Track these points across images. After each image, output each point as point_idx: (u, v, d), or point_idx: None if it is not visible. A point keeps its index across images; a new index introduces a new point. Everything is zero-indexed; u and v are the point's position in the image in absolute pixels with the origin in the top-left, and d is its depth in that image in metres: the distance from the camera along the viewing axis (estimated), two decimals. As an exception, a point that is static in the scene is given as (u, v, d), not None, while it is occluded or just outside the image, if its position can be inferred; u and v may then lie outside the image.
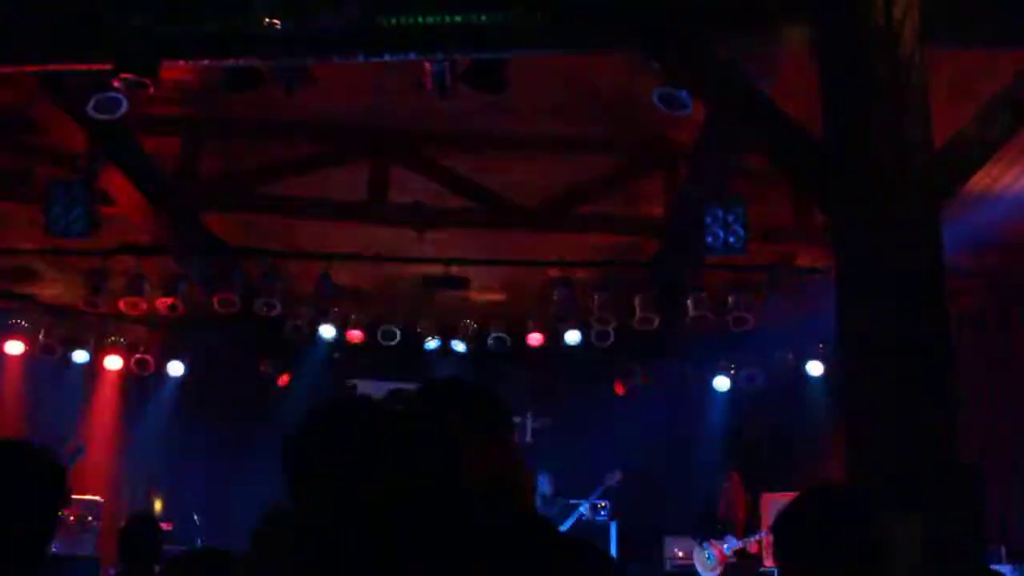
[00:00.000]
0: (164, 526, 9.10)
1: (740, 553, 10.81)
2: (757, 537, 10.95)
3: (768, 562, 11.41)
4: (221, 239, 10.82)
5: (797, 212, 9.67)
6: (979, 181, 7.39)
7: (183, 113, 8.84)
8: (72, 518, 11.08)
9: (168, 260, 10.66)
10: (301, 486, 2.28)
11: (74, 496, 10.82)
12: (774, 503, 11.62)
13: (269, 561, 2.20)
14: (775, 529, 3.04)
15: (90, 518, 11.31)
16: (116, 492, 12.10)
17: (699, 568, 10.80)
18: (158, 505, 12.28)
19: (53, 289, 12.25)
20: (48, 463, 2.62)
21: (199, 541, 11.14)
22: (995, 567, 8.09)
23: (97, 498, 11.67)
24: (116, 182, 8.85)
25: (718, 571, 10.71)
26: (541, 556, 2.11)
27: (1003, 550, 9.64)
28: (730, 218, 8.76)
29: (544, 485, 10.88)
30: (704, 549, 10.78)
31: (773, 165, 5.87)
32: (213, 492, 11.75)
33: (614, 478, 11.31)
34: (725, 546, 10.75)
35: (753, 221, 8.80)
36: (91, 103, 6.92)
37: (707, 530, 10.91)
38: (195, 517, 11.29)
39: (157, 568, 6.23)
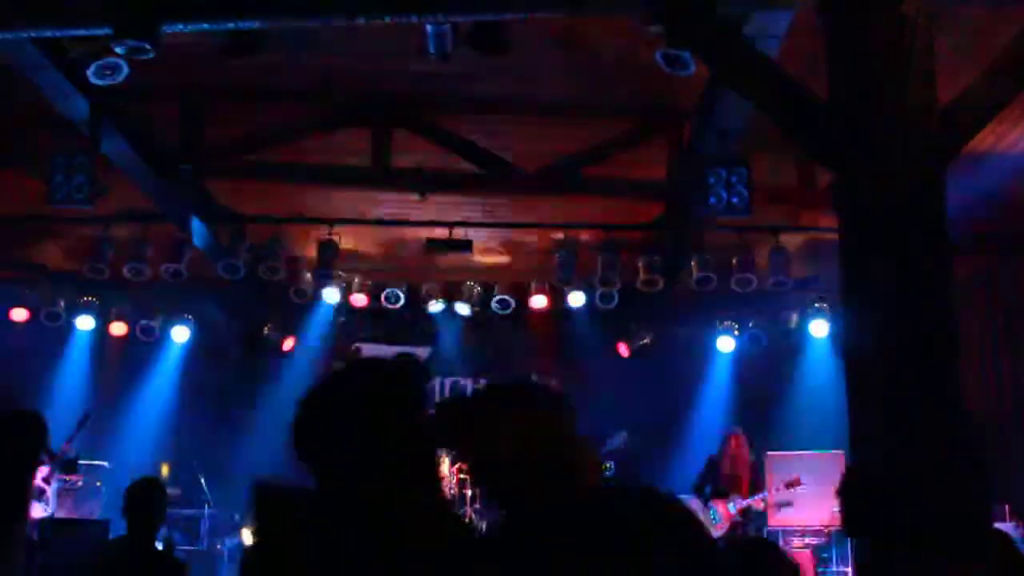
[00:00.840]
0: (171, 491, 9.17)
1: (745, 512, 10.87)
2: (762, 496, 11.00)
3: (773, 520, 11.49)
4: (224, 205, 10.81)
5: (801, 173, 9.65)
6: (984, 140, 7.37)
7: (184, 79, 8.80)
8: (80, 483, 11.16)
9: (171, 226, 10.66)
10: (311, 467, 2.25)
11: (81, 461, 10.89)
12: (778, 462, 11.68)
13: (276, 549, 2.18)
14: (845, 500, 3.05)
15: (97, 483, 11.38)
16: (123, 457, 12.16)
17: (704, 527, 10.86)
18: (165, 470, 12.35)
19: (57, 256, 12.26)
20: (19, 424, 2.58)
21: (207, 506, 11.22)
22: (998, 526, 8.13)
23: (104, 463, 11.74)
24: (118, 149, 8.83)
25: (723, 530, 10.76)
26: (540, 558, 2.09)
27: (1007, 508, 9.69)
28: (733, 179, 8.75)
29: None
30: (709, 508, 10.83)
31: (776, 127, 5.84)
32: (219, 456, 11.81)
33: (620, 439, 11.34)
34: (730, 505, 10.80)
35: (756, 182, 8.79)
36: (91, 69, 6.89)
37: (712, 489, 10.96)
38: (202, 481, 11.36)
39: (162, 529, 6.28)
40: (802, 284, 11.55)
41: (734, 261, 10.87)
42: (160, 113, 9.13)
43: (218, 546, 10.96)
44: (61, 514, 10.42)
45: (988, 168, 8.28)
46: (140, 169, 9.22)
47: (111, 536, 8.95)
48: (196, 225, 10.66)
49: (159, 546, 6.36)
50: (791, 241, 11.00)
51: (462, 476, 11.77)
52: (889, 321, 4.88)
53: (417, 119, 9.50)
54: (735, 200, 8.75)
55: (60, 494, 10.51)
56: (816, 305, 12.12)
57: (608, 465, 11.46)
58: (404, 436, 2.22)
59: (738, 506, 10.80)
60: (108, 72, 6.84)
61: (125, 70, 6.80)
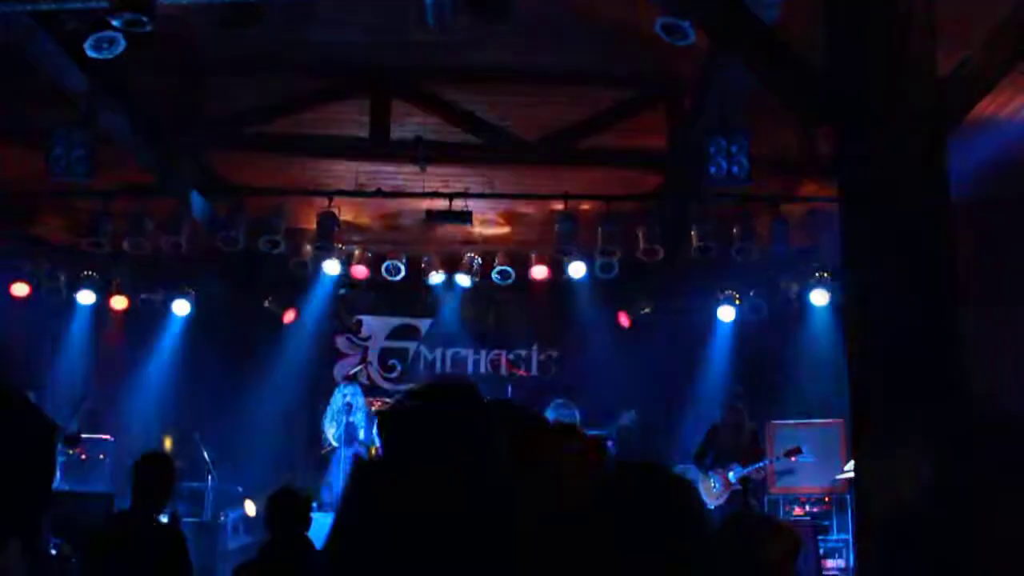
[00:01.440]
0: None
1: (745, 481, 10.90)
2: (762, 465, 11.03)
3: (773, 489, 11.54)
4: (223, 178, 10.80)
5: (801, 142, 9.62)
6: (984, 107, 7.35)
7: (182, 51, 8.77)
8: (83, 456, 11.20)
9: (171, 200, 10.64)
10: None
11: (84, 435, 10.92)
12: (779, 431, 11.73)
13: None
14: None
15: (101, 456, 11.42)
16: (126, 430, 12.20)
17: (704, 496, 10.88)
18: (168, 443, 12.39)
19: (57, 230, 12.25)
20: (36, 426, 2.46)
21: (210, 477, 11.26)
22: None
23: (107, 437, 11.78)
24: (116, 123, 8.82)
25: (723, 499, 10.80)
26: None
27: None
28: (733, 148, 8.72)
29: (575, 418, 10.78)
30: (709, 477, 10.86)
31: (775, 96, 5.82)
32: (221, 428, 11.85)
33: (629, 417, 11.36)
34: (730, 474, 10.83)
35: (757, 151, 8.76)
36: (88, 42, 6.87)
37: (712, 458, 10.98)
38: (204, 453, 11.40)
39: (169, 504, 6.32)
40: (803, 253, 11.54)
41: (734, 231, 10.85)
42: (158, 86, 9.10)
43: (221, 518, 11.00)
44: (66, 488, 10.47)
45: (988, 136, 8.26)
46: (139, 142, 9.20)
47: (116, 509, 9.01)
48: (195, 198, 10.66)
49: (163, 519, 6.40)
50: (792, 211, 10.99)
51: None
52: (891, 291, 4.89)
53: (416, 89, 9.47)
54: (735, 169, 8.72)
55: (65, 468, 10.56)
56: (817, 275, 12.11)
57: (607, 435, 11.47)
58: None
59: (738, 475, 10.83)
60: (105, 45, 6.83)
61: (122, 43, 6.78)
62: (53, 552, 7.89)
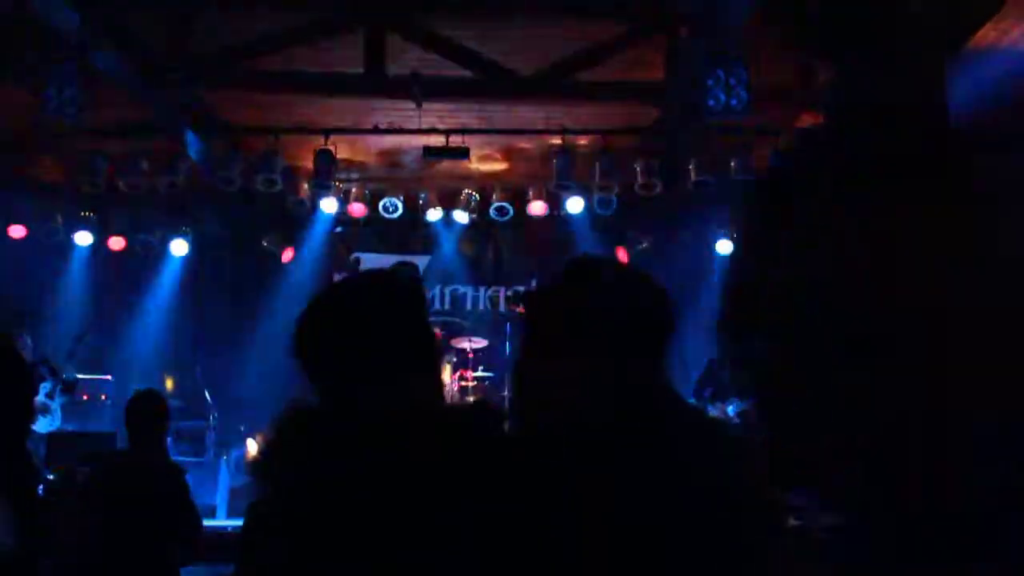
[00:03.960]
0: (176, 403, 9.26)
1: (744, 415, 10.94)
2: (761, 399, 11.05)
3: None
4: (219, 117, 10.72)
5: (800, 73, 9.53)
6: (987, 35, 7.26)
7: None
8: (85, 396, 11.24)
9: (166, 139, 10.58)
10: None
11: (84, 376, 10.95)
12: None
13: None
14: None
15: (103, 396, 11.47)
16: (126, 371, 12.23)
17: (704, 430, 10.91)
18: (169, 383, 12.44)
19: (52, 171, 12.19)
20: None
21: (212, 417, 11.32)
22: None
23: (107, 377, 11.82)
24: (107, 60, 8.72)
25: (723, 432, 10.83)
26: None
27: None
28: (732, 81, 8.63)
29: None
30: (708, 411, 10.91)
31: (769, 23, 5.74)
32: (222, 368, 11.88)
33: None
34: (729, 408, 10.87)
35: (755, 83, 8.68)
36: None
37: (712, 392, 11.02)
38: (205, 393, 11.44)
39: (167, 439, 6.34)
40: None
41: (732, 164, 10.81)
42: (148, 21, 8.99)
43: (224, 457, 11.07)
44: (69, 428, 10.53)
45: (989, 66, 8.14)
46: (131, 80, 9.12)
47: (118, 448, 9.06)
48: (191, 137, 10.58)
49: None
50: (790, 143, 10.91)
51: (463, 384, 11.87)
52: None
53: (411, 24, 9.35)
54: (734, 102, 8.64)
55: (66, 409, 10.60)
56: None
57: None
58: (406, 340, 2.19)
59: (737, 409, 10.87)
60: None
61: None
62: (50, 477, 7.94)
